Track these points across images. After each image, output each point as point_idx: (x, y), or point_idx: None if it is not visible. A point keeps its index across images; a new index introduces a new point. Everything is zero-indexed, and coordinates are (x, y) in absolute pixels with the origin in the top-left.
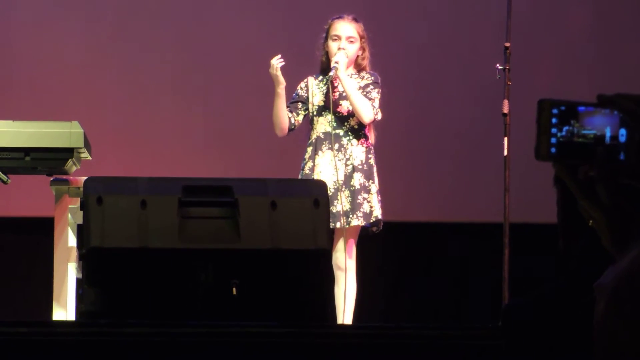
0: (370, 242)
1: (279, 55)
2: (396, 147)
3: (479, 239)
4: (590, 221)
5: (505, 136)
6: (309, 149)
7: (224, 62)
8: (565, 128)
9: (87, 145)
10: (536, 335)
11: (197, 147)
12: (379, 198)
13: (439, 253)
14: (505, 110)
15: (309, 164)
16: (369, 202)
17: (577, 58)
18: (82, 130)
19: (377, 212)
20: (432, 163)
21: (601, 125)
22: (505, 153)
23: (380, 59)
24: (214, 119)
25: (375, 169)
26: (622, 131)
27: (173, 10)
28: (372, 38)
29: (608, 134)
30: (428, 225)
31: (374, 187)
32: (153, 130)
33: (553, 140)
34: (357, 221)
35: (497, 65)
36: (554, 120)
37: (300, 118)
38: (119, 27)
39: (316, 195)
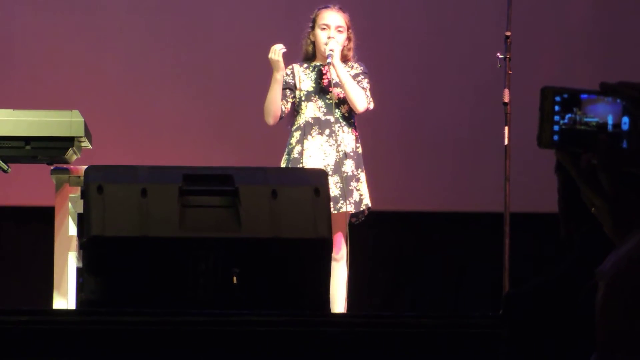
0: (368, 231)
1: (282, 44)
2: (396, 136)
3: (480, 229)
4: (592, 208)
5: (505, 125)
6: (296, 134)
7: (224, 50)
8: (568, 116)
9: (87, 134)
10: (537, 323)
11: (197, 135)
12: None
13: (439, 242)
14: (506, 99)
15: (297, 148)
16: (358, 190)
17: (578, 47)
18: (82, 119)
19: (367, 201)
20: (432, 152)
21: (603, 113)
22: (506, 142)
23: (381, 48)
24: (214, 107)
25: (362, 157)
26: (625, 119)
27: (174, 2)
28: (372, 27)
29: (610, 121)
30: (428, 214)
31: (363, 175)
32: (154, 119)
33: (555, 127)
34: (348, 207)
35: (498, 54)
36: (556, 107)
37: (289, 105)
38: (120, 16)
39: (317, 184)
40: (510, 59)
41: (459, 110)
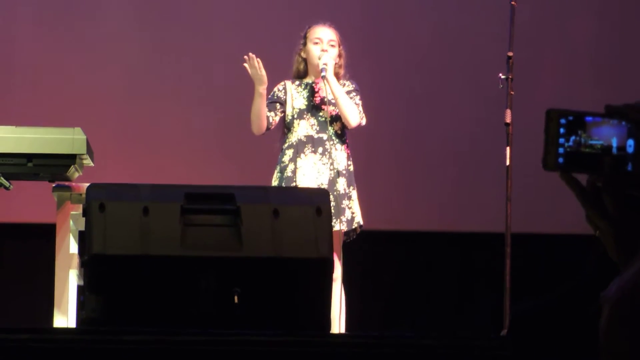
0: (368, 251)
1: (251, 55)
2: (398, 155)
3: (481, 249)
4: (597, 232)
5: (507, 146)
6: (289, 152)
7: (226, 68)
8: (572, 138)
9: (89, 151)
10: (543, 343)
11: (199, 154)
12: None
13: (440, 262)
14: (508, 120)
15: (291, 167)
16: (350, 208)
17: (580, 68)
18: (84, 137)
19: (359, 219)
20: (433, 172)
21: (608, 135)
22: (508, 163)
23: (382, 67)
24: (216, 126)
25: (353, 175)
26: (630, 142)
27: (176, 18)
28: (374, 46)
29: (614, 144)
30: (429, 234)
31: (355, 193)
32: (156, 137)
33: (561, 150)
34: (342, 225)
35: (500, 74)
36: (561, 130)
37: (278, 118)
38: (122, 34)
39: (318, 203)
40: (512, 79)
41: (460, 130)
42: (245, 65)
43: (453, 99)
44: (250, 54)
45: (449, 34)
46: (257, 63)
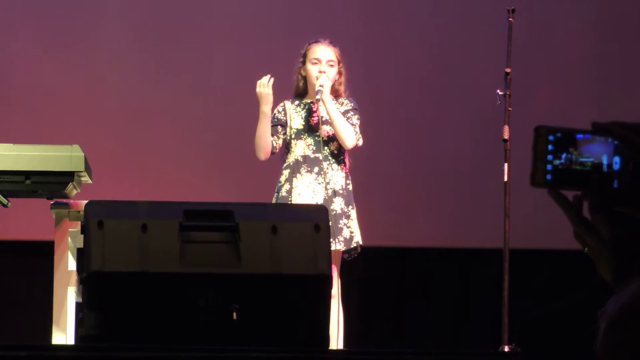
0: (368, 267)
1: (268, 76)
2: (397, 171)
3: (479, 265)
4: (585, 248)
5: (505, 162)
6: (285, 172)
7: (225, 85)
8: (564, 155)
9: (87, 169)
10: (552, 350)
11: (198, 171)
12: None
13: (439, 278)
14: (506, 136)
15: (286, 186)
16: (348, 227)
17: (578, 84)
18: (82, 154)
19: (358, 238)
20: (432, 188)
21: (598, 153)
22: (506, 179)
23: (381, 84)
24: (215, 142)
25: (352, 194)
26: (616, 159)
27: (174, 35)
28: (373, 63)
29: (605, 161)
30: (428, 250)
31: (354, 212)
32: (154, 154)
33: (549, 167)
34: (339, 245)
35: (498, 91)
36: (550, 147)
37: (281, 142)
38: (120, 51)
39: (317, 220)
40: (510, 95)
41: (458, 146)
42: (263, 82)
43: (451, 116)
44: (270, 76)
45: (447, 51)
46: (268, 82)
